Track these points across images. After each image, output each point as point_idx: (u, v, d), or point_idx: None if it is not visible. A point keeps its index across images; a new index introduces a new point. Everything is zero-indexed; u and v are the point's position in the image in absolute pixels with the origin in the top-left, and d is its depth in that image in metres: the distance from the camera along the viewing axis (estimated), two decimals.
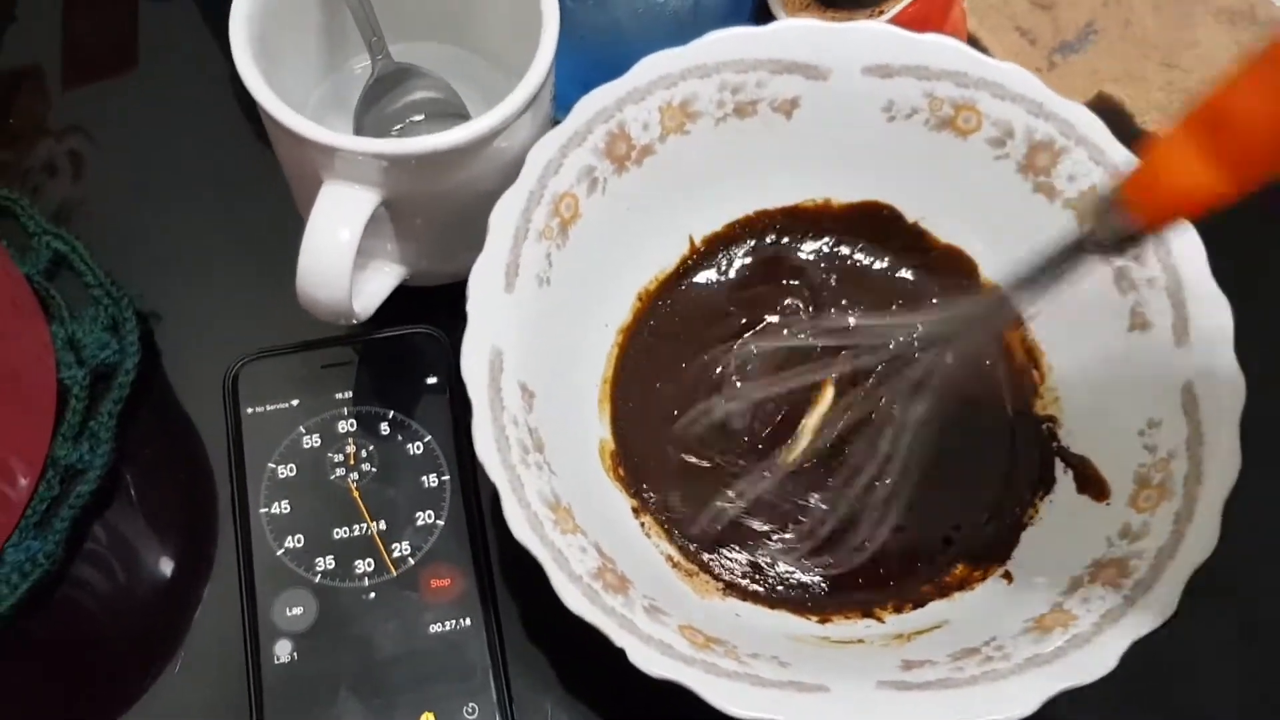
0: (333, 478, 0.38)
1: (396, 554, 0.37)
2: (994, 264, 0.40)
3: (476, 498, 0.38)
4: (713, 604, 0.35)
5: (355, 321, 0.37)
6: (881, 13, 0.41)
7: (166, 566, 0.39)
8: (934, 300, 0.41)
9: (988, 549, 0.37)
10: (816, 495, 0.38)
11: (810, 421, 0.40)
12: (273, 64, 0.36)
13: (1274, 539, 0.40)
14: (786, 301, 0.42)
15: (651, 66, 0.38)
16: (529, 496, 0.33)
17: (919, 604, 0.36)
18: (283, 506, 0.37)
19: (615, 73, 0.38)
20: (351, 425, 0.39)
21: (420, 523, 0.37)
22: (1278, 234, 0.46)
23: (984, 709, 0.30)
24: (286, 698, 0.35)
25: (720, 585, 0.36)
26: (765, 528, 0.38)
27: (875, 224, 0.42)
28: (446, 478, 0.38)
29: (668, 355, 0.40)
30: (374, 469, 0.38)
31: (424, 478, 0.38)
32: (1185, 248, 0.36)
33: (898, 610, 0.36)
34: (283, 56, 0.38)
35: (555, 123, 0.38)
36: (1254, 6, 0.45)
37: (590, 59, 0.40)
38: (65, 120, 0.46)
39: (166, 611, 0.37)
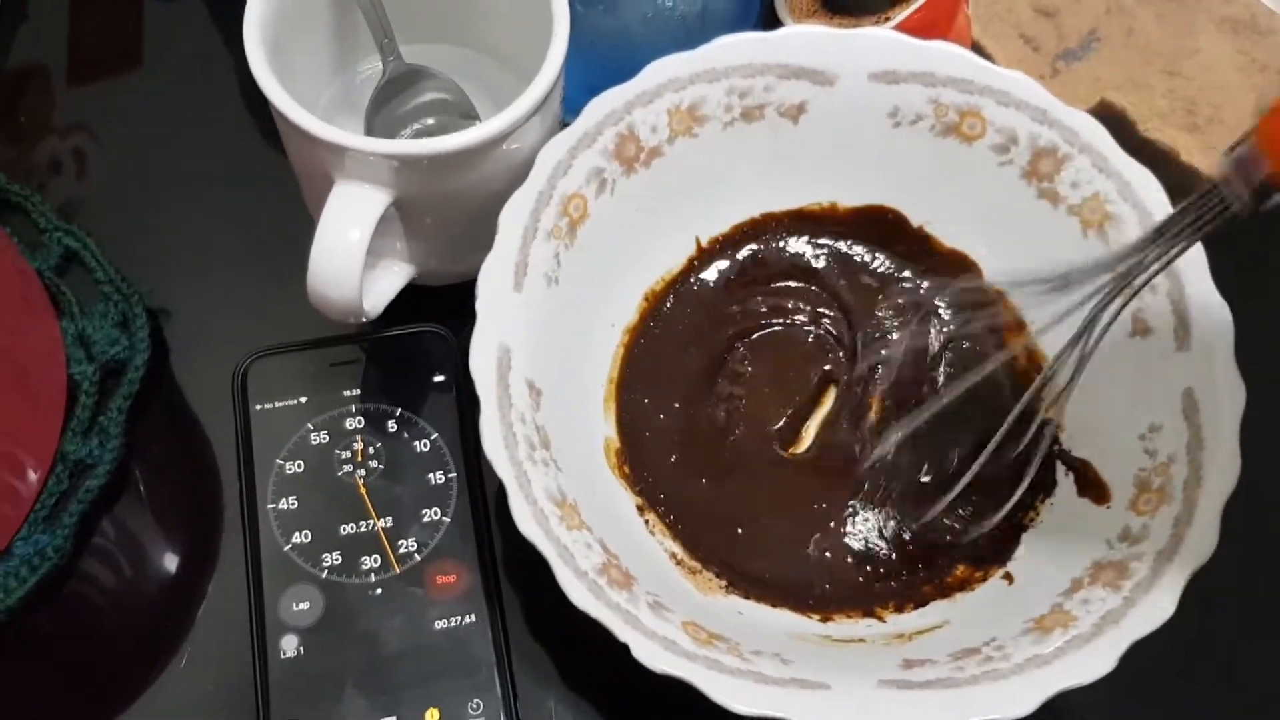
0: (340, 474, 0.38)
1: (403, 550, 0.37)
2: (997, 269, 0.41)
3: (482, 495, 0.38)
4: (715, 601, 0.36)
5: (364, 320, 0.37)
6: (887, 19, 0.41)
7: (174, 561, 0.39)
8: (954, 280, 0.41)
9: (989, 550, 0.37)
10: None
11: (816, 419, 0.40)
12: (285, 65, 0.37)
13: (1274, 540, 0.40)
14: (790, 303, 0.42)
15: (660, 70, 0.39)
16: (535, 493, 0.33)
17: (920, 604, 0.36)
18: (290, 502, 0.37)
19: (623, 77, 0.38)
20: (359, 422, 0.39)
21: (426, 519, 0.38)
22: (1278, 238, 0.46)
23: (984, 708, 0.31)
24: (292, 692, 0.35)
25: (723, 583, 0.37)
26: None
27: (880, 228, 0.42)
28: (453, 475, 0.38)
29: (673, 355, 0.41)
30: (381, 466, 0.38)
31: (430, 475, 0.38)
32: (1187, 253, 0.37)
33: (899, 610, 0.36)
34: (295, 58, 0.38)
35: (564, 125, 0.38)
36: (1255, 16, 0.45)
37: (599, 63, 0.40)
38: (70, 118, 0.47)
39: (174, 606, 0.38)
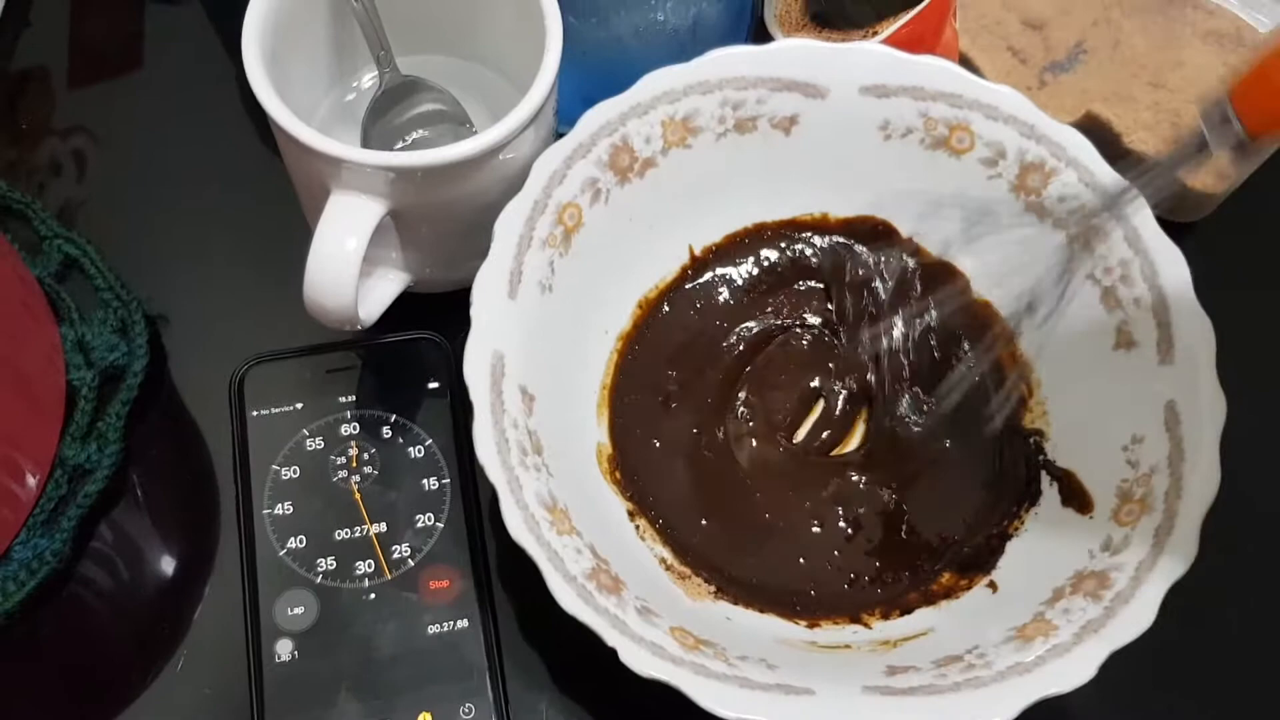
0: (335, 480, 0.38)
1: (396, 555, 0.37)
2: (984, 280, 0.41)
3: (476, 501, 0.38)
4: (704, 606, 0.36)
5: (360, 327, 0.37)
6: (876, 33, 0.42)
7: (171, 566, 0.39)
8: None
9: (975, 558, 0.38)
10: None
11: (806, 426, 0.41)
12: (283, 77, 0.37)
13: (1264, 545, 0.40)
14: (784, 311, 0.43)
15: (655, 82, 0.39)
16: (527, 498, 0.33)
17: (906, 611, 0.37)
18: (286, 508, 0.38)
19: (616, 88, 0.39)
20: (354, 429, 0.39)
21: (420, 525, 0.38)
22: (1261, 251, 0.47)
23: (965, 715, 0.31)
24: (287, 696, 0.35)
25: (712, 589, 0.37)
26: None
27: (871, 238, 0.43)
28: (446, 481, 0.39)
29: (666, 362, 0.41)
30: (376, 472, 0.39)
31: (424, 481, 0.39)
32: (1170, 268, 0.37)
33: (885, 616, 0.37)
34: (292, 68, 0.39)
35: (558, 136, 0.39)
36: (1240, 29, 0.46)
37: (593, 74, 0.41)
38: (70, 120, 0.47)
39: (170, 610, 0.38)
